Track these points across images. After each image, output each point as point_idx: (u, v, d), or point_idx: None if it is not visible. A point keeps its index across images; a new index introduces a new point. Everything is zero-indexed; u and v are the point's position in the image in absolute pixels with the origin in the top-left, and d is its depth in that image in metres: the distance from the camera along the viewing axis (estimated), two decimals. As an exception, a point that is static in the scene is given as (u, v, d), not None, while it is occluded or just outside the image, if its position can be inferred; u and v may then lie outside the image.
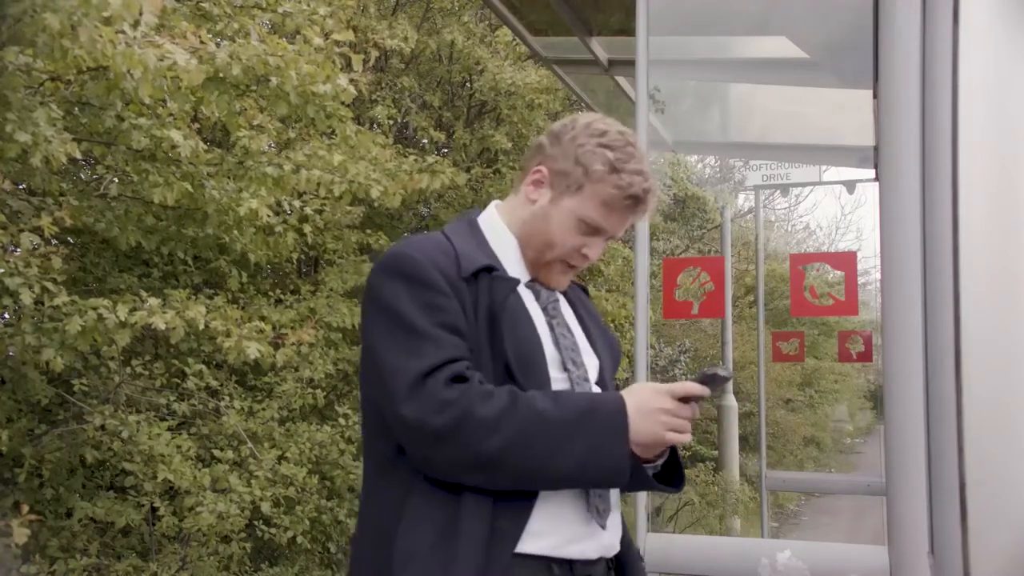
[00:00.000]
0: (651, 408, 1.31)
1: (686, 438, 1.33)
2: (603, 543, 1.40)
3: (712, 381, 1.33)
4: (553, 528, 1.33)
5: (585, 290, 1.67)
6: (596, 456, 1.27)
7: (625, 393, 1.34)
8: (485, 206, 1.58)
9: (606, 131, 1.45)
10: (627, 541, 1.50)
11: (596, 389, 1.46)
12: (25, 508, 3.04)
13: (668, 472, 1.48)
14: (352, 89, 3.78)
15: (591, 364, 1.49)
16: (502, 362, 1.35)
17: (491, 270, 1.40)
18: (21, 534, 2.93)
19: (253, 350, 3.64)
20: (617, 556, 1.46)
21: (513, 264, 1.47)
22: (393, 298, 1.33)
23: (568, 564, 1.34)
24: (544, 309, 1.47)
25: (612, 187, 1.41)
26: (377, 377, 1.33)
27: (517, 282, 1.43)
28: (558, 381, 1.40)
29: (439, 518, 1.28)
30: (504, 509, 1.30)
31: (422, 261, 1.34)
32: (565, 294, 1.56)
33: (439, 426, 1.24)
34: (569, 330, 1.48)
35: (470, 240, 1.45)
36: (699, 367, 11.32)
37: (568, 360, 1.43)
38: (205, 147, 3.94)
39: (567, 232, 1.44)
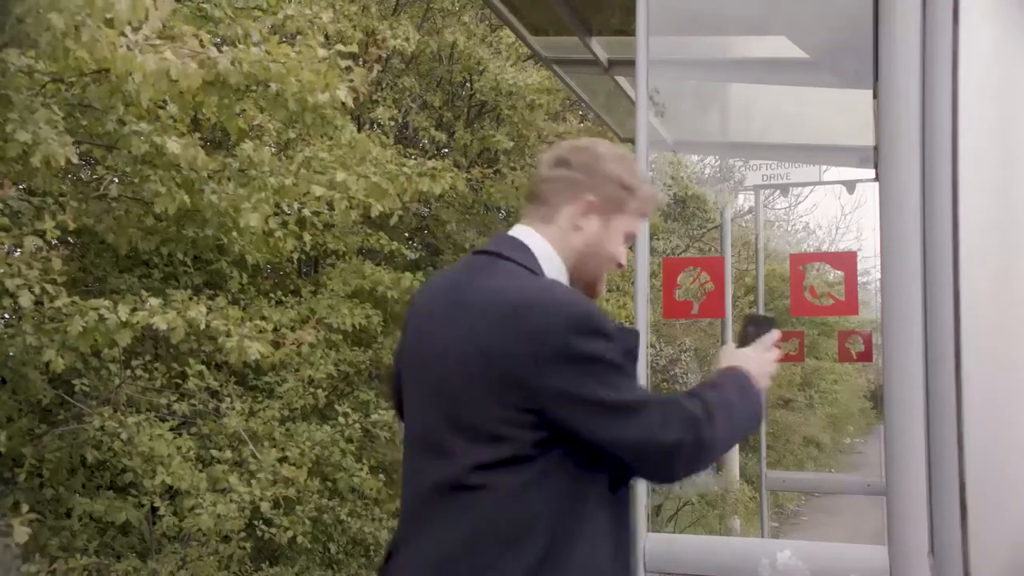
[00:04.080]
0: (758, 368, 1.64)
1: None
2: None
3: (761, 323, 1.71)
4: None
5: None
6: (756, 407, 1.59)
7: (740, 364, 1.64)
8: (518, 219, 1.70)
9: (624, 156, 1.70)
10: None
11: None
12: (25, 508, 3.04)
13: None
14: (350, 102, 3.79)
15: None
16: None
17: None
18: (22, 533, 2.94)
19: (254, 350, 3.64)
20: None
21: None
22: (599, 352, 1.46)
23: None
24: None
25: (647, 200, 1.68)
26: (616, 421, 1.45)
27: (636, 331, 1.66)
28: None
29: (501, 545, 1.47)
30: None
31: (603, 317, 1.51)
32: None
33: (689, 440, 1.44)
34: None
35: (560, 281, 1.62)
36: (700, 367, 11.32)
37: None
38: (206, 155, 3.94)
39: (617, 246, 1.66)
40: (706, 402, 1.49)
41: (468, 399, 1.49)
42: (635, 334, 1.58)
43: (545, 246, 1.61)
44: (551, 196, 1.63)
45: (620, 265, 1.69)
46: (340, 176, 4.12)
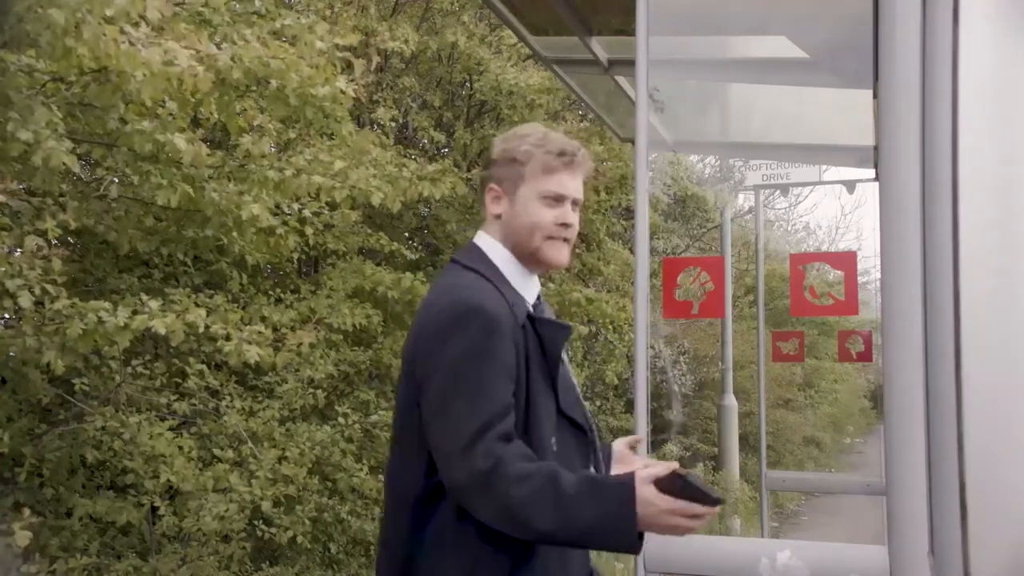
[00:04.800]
0: (655, 516, 1.41)
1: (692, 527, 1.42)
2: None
3: (692, 490, 1.39)
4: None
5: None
6: (609, 522, 1.40)
7: (638, 491, 1.42)
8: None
9: (519, 130, 1.70)
10: None
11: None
12: (26, 511, 3.04)
13: None
14: (351, 92, 3.79)
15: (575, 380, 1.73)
16: (552, 393, 1.55)
17: (532, 306, 1.61)
18: (23, 537, 2.93)
19: (253, 354, 3.65)
20: None
21: (520, 283, 1.66)
22: (464, 349, 1.46)
23: None
24: None
25: (543, 155, 1.63)
26: (435, 421, 1.47)
27: (570, 328, 1.64)
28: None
29: (466, 562, 1.47)
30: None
31: (492, 313, 1.50)
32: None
33: (481, 470, 1.39)
34: (565, 353, 1.69)
35: (498, 276, 1.62)
36: (698, 367, 11.32)
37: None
38: (208, 150, 3.94)
39: (537, 212, 1.63)
40: (541, 470, 1.40)
41: (402, 403, 1.58)
42: (558, 327, 1.58)
43: (488, 241, 1.68)
44: (481, 199, 1.72)
45: (561, 225, 1.63)
46: (339, 164, 4.12)
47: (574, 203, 1.67)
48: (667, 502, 1.38)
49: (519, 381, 1.49)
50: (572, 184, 1.65)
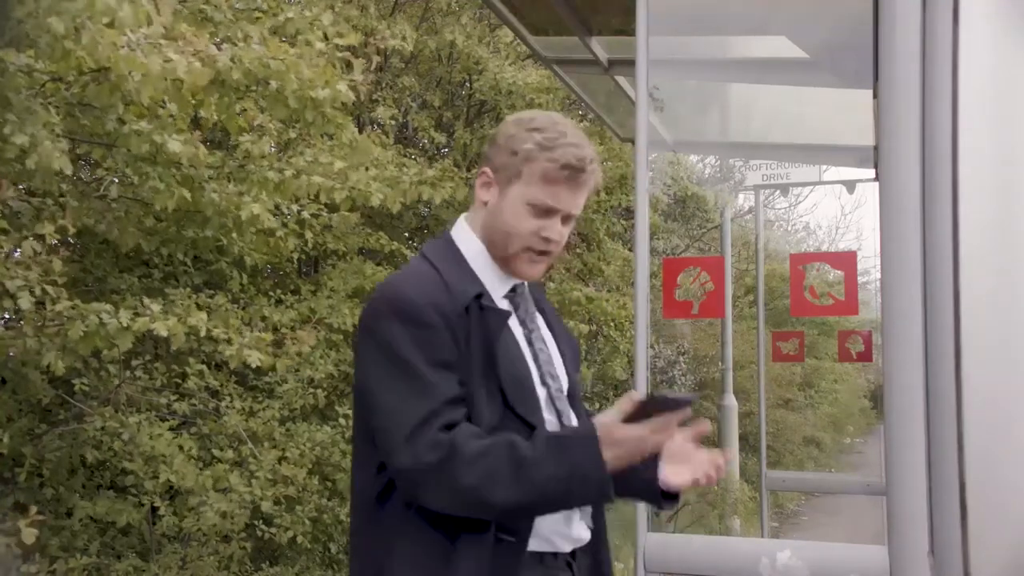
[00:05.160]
0: (633, 449, 1.34)
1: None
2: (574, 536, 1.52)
3: (665, 404, 1.35)
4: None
5: (542, 290, 1.75)
6: (578, 472, 1.32)
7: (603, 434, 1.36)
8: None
9: (533, 117, 1.51)
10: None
11: (568, 398, 1.55)
12: (33, 509, 3.03)
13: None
14: (351, 94, 3.78)
15: (562, 375, 1.56)
16: (496, 386, 1.41)
17: (479, 296, 1.45)
18: (29, 534, 2.93)
19: (254, 358, 3.65)
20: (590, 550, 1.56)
21: (494, 277, 1.53)
22: (391, 339, 1.38)
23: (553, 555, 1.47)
24: (522, 322, 1.54)
25: (546, 162, 1.45)
26: (374, 416, 1.40)
27: (509, 314, 1.48)
28: (540, 396, 1.49)
29: (429, 560, 1.37)
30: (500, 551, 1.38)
31: (417, 301, 1.39)
32: (535, 299, 1.61)
33: (429, 462, 1.31)
34: (544, 343, 1.55)
35: (454, 265, 1.50)
36: (698, 367, 11.32)
37: (546, 375, 1.51)
38: (207, 151, 3.94)
39: (520, 219, 1.47)
40: (497, 443, 1.33)
41: (355, 396, 1.51)
42: (495, 313, 1.45)
43: (467, 235, 1.55)
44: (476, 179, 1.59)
45: (542, 239, 1.48)
46: (339, 165, 4.11)
47: (566, 218, 1.50)
48: (637, 430, 1.32)
49: (462, 370, 1.40)
50: (570, 200, 1.48)
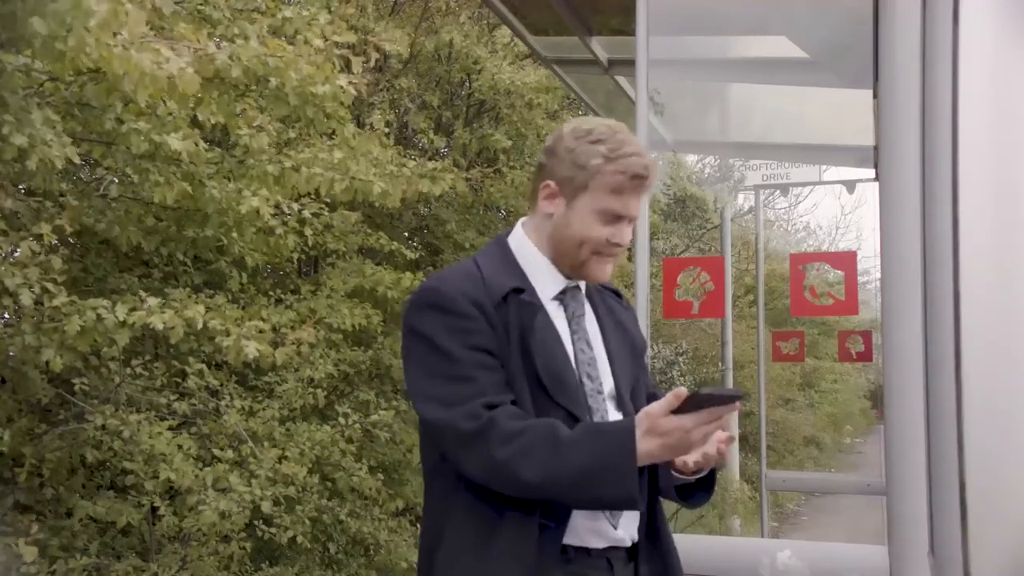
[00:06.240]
0: (682, 439, 1.35)
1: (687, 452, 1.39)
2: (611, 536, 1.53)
3: (709, 400, 1.34)
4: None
5: (618, 294, 1.78)
6: (608, 462, 1.35)
7: (645, 427, 1.38)
8: (517, 218, 1.70)
9: (592, 129, 1.56)
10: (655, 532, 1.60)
11: (610, 400, 1.58)
12: (34, 527, 3.03)
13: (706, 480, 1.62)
14: (352, 90, 3.78)
15: (606, 378, 1.60)
16: (535, 378, 1.48)
17: (519, 291, 1.53)
18: (29, 552, 2.93)
19: (252, 349, 3.63)
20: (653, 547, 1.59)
21: (546, 279, 1.60)
22: (429, 330, 1.47)
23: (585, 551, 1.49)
24: (568, 323, 1.60)
25: (614, 173, 1.51)
26: (418, 402, 1.48)
27: (541, 306, 1.55)
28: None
29: (477, 540, 1.44)
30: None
31: (448, 291, 1.48)
32: (593, 302, 1.67)
33: (467, 429, 1.39)
34: (588, 345, 1.60)
35: (500, 264, 1.58)
36: (698, 367, 11.32)
37: (583, 374, 1.56)
38: (206, 147, 3.93)
39: (591, 227, 1.54)
40: (538, 425, 1.39)
41: None
42: (527, 306, 1.51)
43: (522, 240, 1.62)
44: (533, 187, 1.63)
45: (612, 244, 1.55)
46: (338, 155, 4.11)
47: (631, 220, 1.57)
48: (684, 421, 1.33)
49: (503, 359, 1.46)
50: (636, 205, 1.55)
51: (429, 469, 1.57)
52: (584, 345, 1.58)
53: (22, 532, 2.98)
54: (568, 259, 1.57)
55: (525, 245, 1.60)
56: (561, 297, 1.60)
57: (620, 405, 1.58)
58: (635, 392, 1.63)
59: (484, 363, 1.44)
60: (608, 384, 1.58)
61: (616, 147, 1.52)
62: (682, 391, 1.35)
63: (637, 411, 1.50)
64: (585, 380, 1.54)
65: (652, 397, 1.66)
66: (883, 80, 0.95)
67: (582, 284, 1.64)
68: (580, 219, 1.54)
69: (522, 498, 1.41)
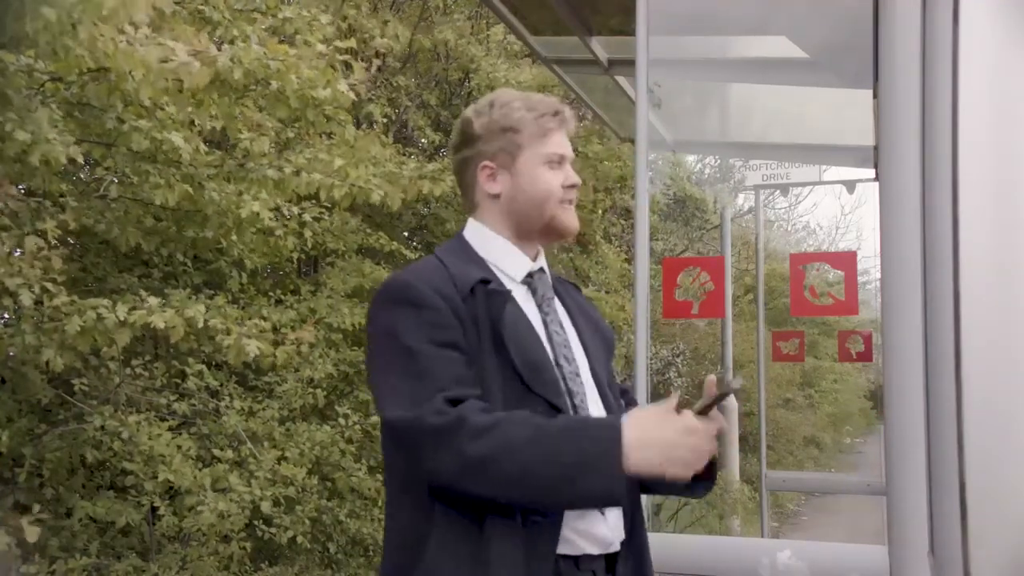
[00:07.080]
0: (698, 445, 1.30)
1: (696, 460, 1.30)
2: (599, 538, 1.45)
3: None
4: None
5: (578, 288, 1.74)
6: (585, 468, 1.27)
7: (630, 419, 1.32)
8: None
9: (491, 101, 1.58)
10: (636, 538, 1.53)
11: (588, 383, 1.53)
12: (36, 507, 3.03)
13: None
14: (352, 94, 3.79)
15: (582, 360, 1.55)
16: (510, 367, 1.42)
17: (486, 282, 1.47)
18: (32, 532, 2.93)
19: (253, 348, 3.64)
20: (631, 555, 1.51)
21: (511, 262, 1.56)
22: (393, 325, 1.41)
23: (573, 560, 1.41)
24: (539, 307, 1.55)
25: (538, 118, 1.54)
26: (380, 398, 1.41)
27: (509, 293, 1.49)
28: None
29: (464, 552, 1.34)
30: (533, 531, 1.35)
31: (416, 284, 1.43)
32: (558, 293, 1.62)
33: (432, 425, 1.30)
34: (561, 327, 1.56)
35: (461, 256, 1.54)
36: (698, 368, 11.32)
37: (560, 356, 1.51)
38: (206, 149, 3.93)
39: (544, 179, 1.54)
40: (511, 418, 1.32)
41: None
42: (496, 295, 1.46)
43: (478, 230, 1.58)
44: (463, 185, 1.62)
45: (569, 186, 1.55)
46: (338, 162, 4.11)
47: (569, 160, 1.59)
48: (713, 424, 1.30)
49: (472, 353, 1.40)
50: (566, 142, 1.58)
51: (400, 480, 1.45)
52: (557, 327, 1.54)
53: (22, 531, 2.97)
54: (535, 222, 1.55)
55: (483, 233, 1.57)
56: (529, 281, 1.56)
57: (598, 386, 1.55)
58: (609, 383, 1.59)
59: (450, 358, 1.38)
60: (584, 366, 1.54)
61: (523, 99, 1.56)
62: (714, 393, 1.32)
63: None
64: (563, 362, 1.49)
65: (623, 393, 1.65)
66: (883, 80, 0.95)
67: (547, 267, 1.61)
68: (530, 177, 1.54)
69: (499, 501, 1.33)
